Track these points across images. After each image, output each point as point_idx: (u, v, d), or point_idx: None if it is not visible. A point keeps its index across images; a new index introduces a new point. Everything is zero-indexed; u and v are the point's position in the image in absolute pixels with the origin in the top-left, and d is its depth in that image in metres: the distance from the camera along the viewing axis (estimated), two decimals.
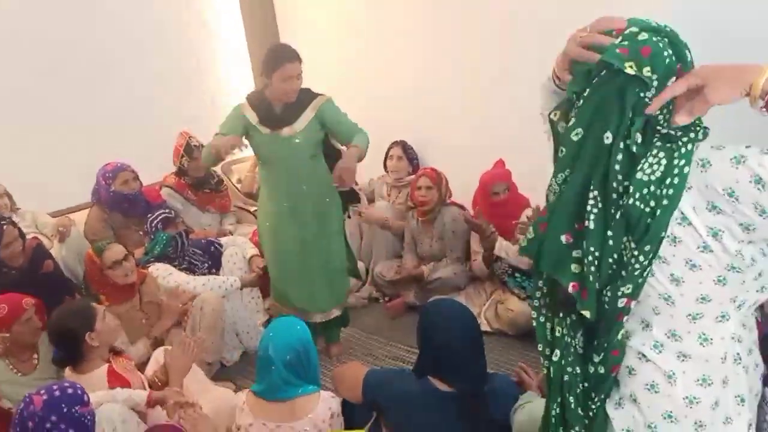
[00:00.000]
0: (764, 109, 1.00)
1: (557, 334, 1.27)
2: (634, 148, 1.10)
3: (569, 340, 1.25)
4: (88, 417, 1.87)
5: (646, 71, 1.10)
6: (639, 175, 1.09)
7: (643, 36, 1.11)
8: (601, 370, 1.18)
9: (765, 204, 0.99)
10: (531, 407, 1.82)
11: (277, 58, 2.78)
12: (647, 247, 1.08)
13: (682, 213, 1.06)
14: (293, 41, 4.86)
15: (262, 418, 1.98)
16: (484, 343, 1.97)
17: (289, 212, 3.01)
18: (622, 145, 1.10)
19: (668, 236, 1.07)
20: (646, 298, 1.13)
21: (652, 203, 1.07)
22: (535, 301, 1.33)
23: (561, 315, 1.26)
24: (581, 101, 1.16)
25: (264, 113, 2.90)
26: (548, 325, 1.31)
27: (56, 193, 3.90)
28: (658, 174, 1.07)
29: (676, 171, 1.06)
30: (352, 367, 2.12)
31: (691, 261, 1.07)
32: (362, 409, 2.00)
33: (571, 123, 1.18)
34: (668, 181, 1.06)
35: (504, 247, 3.42)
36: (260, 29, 4.97)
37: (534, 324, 1.34)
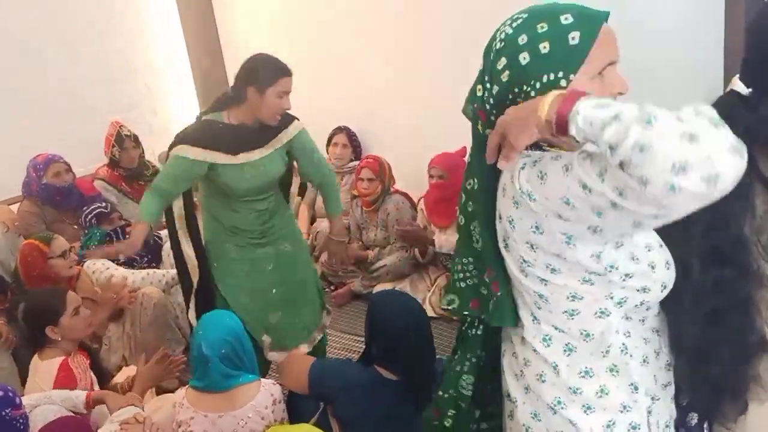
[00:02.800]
0: (557, 135, 0.95)
1: None
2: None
3: None
4: (20, 420, 1.82)
5: (488, 133, 1.12)
6: None
7: (479, 90, 1.13)
8: None
9: (597, 202, 0.93)
10: None
11: (275, 70, 2.34)
12: None
13: (536, 223, 1.04)
14: (231, 26, 4.83)
15: (203, 411, 1.97)
16: (432, 329, 1.99)
17: (262, 248, 2.57)
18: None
19: (527, 243, 1.07)
20: (527, 292, 1.14)
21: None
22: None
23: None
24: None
25: (229, 139, 2.40)
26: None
27: None
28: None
29: None
30: (296, 359, 2.12)
31: (551, 266, 1.07)
32: (309, 400, 2.00)
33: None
34: None
35: (443, 243, 3.47)
36: (196, 12, 4.84)
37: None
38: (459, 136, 3.59)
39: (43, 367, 2.32)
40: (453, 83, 3.73)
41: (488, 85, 1.09)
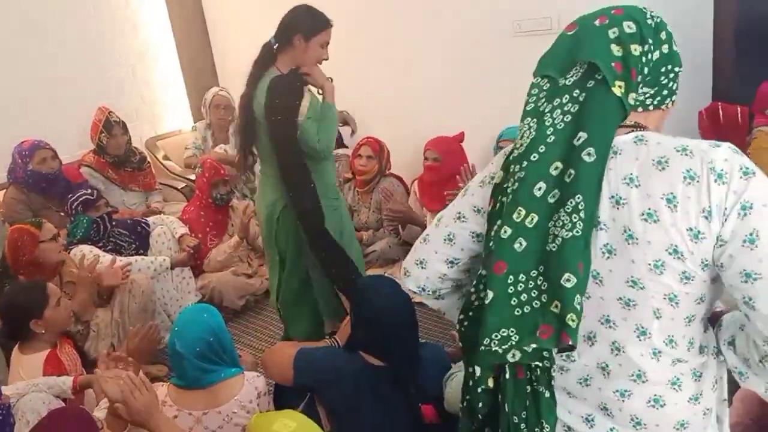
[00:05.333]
0: None
1: None
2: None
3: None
4: (1, 410, 1.81)
5: (632, 98, 1.04)
6: None
7: (636, 49, 1.03)
8: None
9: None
10: (461, 377, 1.85)
11: (321, 20, 2.46)
12: None
13: (709, 207, 0.96)
14: (218, 10, 4.78)
15: (187, 408, 1.93)
16: (417, 314, 1.98)
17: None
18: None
19: (691, 229, 0.96)
20: (647, 300, 1.02)
21: None
22: None
23: None
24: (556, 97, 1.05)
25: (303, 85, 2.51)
26: None
27: None
28: None
29: None
30: (280, 349, 2.10)
31: (705, 260, 0.98)
32: (295, 390, 1.99)
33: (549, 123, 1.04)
34: None
35: None
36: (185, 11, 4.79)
37: None
38: (456, 122, 3.62)
39: (28, 362, 2.30)
40: (452, 68, 3.76)
41: (649, 48, 1.05)
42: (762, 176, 0.96)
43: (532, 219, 1.01)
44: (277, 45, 2.48)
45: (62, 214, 3.44)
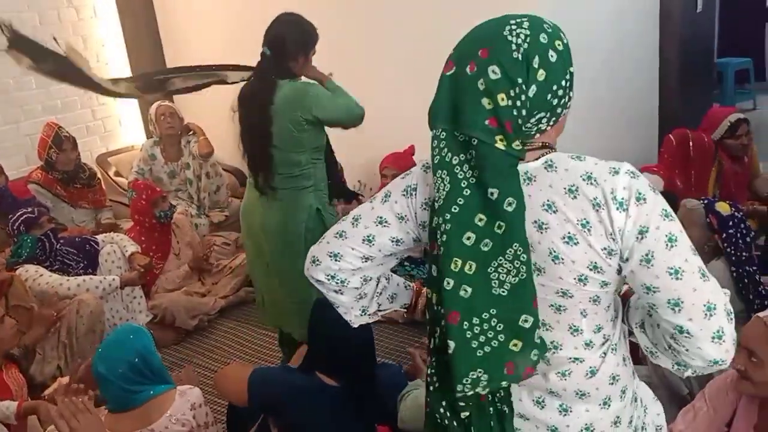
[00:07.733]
0: None
1: None
2: None
3: None
4: None
5: (516, 144, 1.05)
6: None
7: (503, 99, 1.04)
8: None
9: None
10: (416, 394, 1.86)
11: (314, 34, 2.52)
12: None
13: (612, 231, 1.08)
14: (172, 24, 4.72)
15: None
16: (374, 332, 1.98)
17: None
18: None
19: (605, 248, 1.08)
20: (575, 305, 1.13)
21: None
22: None
23: None
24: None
25: None
26: None
27: None
28: None
29: None
30: (234, 369, 2.07)
31: (618, 269, 1.12)
32: (247, 412, 1.95)
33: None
34: None
35: None
36: (135, 10, 4.71)
37: None
38: (405, 138, 3.64)
39: None
40: (396, 84, 3.78)
41: (520, 89, 1.04)
42: (652, 201, 1.07)
43: (471, 267, 1.06)
44: (272, 54, 2.47)
45: (7, 231, 3.33)
